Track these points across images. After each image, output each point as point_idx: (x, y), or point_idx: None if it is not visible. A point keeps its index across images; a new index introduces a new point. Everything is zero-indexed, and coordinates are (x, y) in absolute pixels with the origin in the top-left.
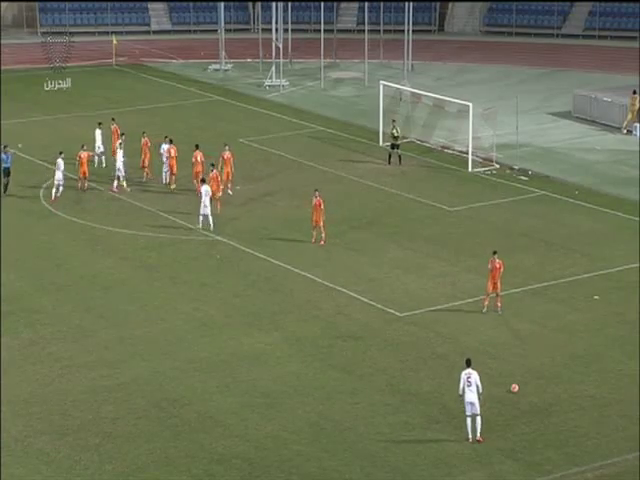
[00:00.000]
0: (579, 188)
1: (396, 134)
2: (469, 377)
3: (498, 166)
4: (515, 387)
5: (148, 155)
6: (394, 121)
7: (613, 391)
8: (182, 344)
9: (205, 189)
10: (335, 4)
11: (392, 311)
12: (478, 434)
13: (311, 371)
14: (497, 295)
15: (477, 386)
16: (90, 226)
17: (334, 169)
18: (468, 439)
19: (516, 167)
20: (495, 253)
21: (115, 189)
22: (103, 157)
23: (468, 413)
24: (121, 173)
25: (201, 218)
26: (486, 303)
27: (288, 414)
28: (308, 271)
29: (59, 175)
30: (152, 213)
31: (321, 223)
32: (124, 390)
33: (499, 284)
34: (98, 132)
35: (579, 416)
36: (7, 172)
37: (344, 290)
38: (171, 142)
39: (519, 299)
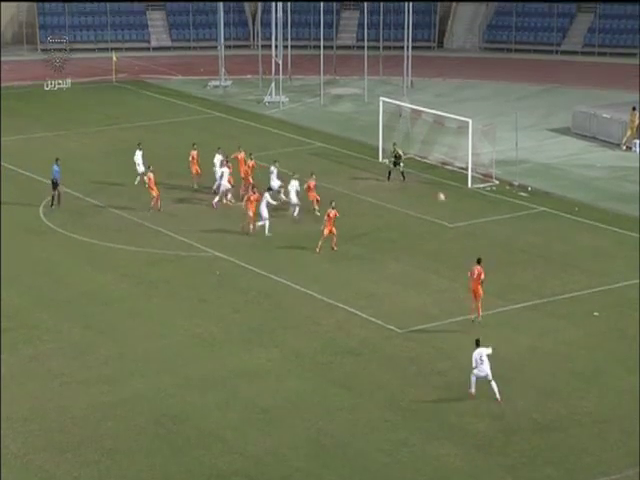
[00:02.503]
0: (579, 204)
1: (397, 154)
2: (481, 356)
3: (498, 182)
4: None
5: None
6: (395, 144)
7: (613, 407)
8: (182, 360)
9: (266, 196)
10: (335, 21)
11: (392, 327)
12: (498, 396)
13: (310, 387)
14: (478, 304)
15: (488, 356)
16: (90, 242)
17: (334, 185)
18: (471, 393)
19: (516, 183)
20: (479, 262)
21: (215, 204)
22: (145, 177)
23: (479, 374)
24: (224, 188)
25: (267, 223)
26: (473, 309)
27: (288, 430)
28: (308, 287)
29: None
30: (152, 230)
31: (331, 231)
32: (124, 406)
33: (480, 292)
34: (138, 153)
35: (579, 432)
36: (55, 184)
37: (344, 306)
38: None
39: (519, 315)
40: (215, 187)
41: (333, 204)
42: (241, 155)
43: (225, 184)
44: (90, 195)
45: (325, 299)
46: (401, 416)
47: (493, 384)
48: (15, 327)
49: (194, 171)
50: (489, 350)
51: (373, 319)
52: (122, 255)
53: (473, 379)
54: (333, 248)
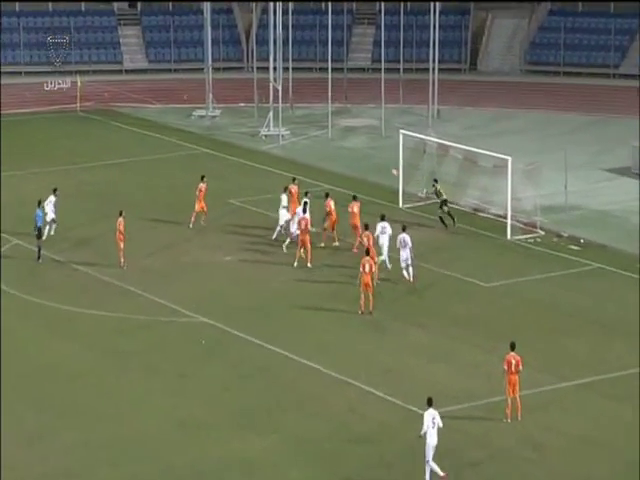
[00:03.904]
0: None
1: (438, 191)
2: (434, 418)
3: (543, 233)
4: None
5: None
6: (436, 181)
7: None
8: (159, 448)
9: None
10: (346, 38)
11: (414, 408)
12: (441, 473)
13: None
14: (515, 399)
15: (438, 426)
16: (49, 306)
17: (344, 235)
18: None
19: (565, 234)
20: (513, 348)
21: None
22: (54, 225)
23: (429, 458)
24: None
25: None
26: (508, 412)
27: None
28: (312, 359)
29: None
30: (123, 290)
31: (367, 285)
32: None
33: (517, 386)
34: (52, 198)
35: None
36: (39, 233)
37: (356, 382)
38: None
39: (568, 394)
40: (282, 231)
41: (370, 253)
42: (295, 189)
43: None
44: (49, 248)
45: (333, 374)
46: None
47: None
48: None
49: (198, 208)
50: (439, 418)
51: (392, 399)
52: (87, 321)
53: (429, 469)
54: (369, 311)
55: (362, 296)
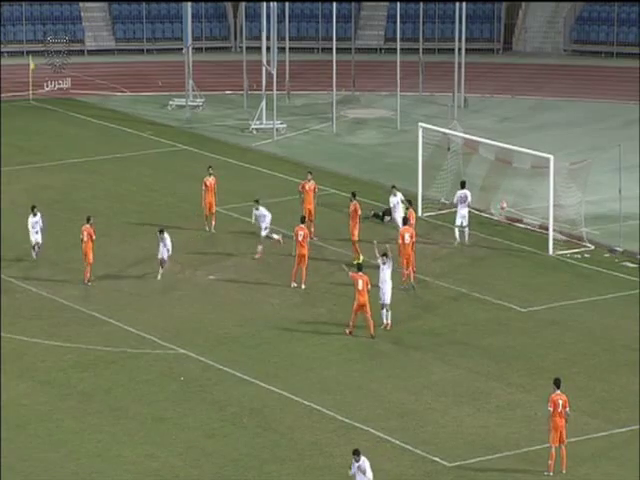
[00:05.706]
0: None
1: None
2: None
3: (592, 247)
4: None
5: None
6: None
7: None
8: None
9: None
10: (354, 12)
11: (437, 459)
12: None
13: None
14: (561, 448)
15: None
16: None
17: (350, 249)
18: None
19: (619, 249)
20: (558, 386)
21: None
22: (38, 249)
23: None
24: None
25: None
26: (551, 463)
27: None
28: (313, 399)
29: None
30: (85, 315)
31: (364, 305)
32: None
33: (564, 432)
34: (32, 220)
35: None
36: None
37: (366, 428)
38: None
39: (623, 443)
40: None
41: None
42: (310, 185)
43: None
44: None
45: (339, 417)
46: None
47: None
48: None
49: (207, 208)
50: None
51: (410, 447)
52: (41, 353)
53: None
54: (371, 335)
55: (353, 316)
